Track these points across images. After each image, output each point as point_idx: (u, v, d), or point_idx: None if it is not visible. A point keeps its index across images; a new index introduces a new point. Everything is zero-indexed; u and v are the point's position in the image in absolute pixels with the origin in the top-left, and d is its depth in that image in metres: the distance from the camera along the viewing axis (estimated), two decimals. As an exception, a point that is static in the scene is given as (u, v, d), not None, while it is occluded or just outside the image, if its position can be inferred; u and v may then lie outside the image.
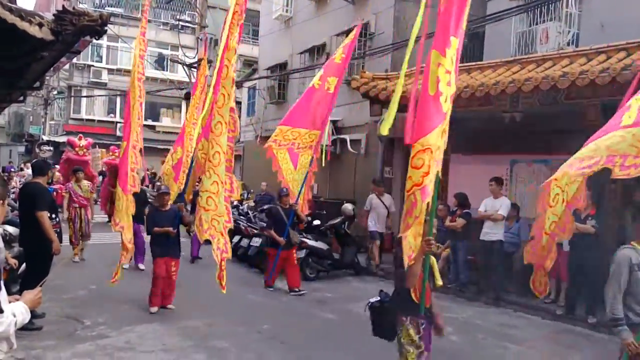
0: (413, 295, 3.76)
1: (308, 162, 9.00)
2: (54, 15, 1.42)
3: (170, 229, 7.15)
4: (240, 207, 13.36)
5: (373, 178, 11.90)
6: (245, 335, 6.36)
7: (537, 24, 10.30)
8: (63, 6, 1.52)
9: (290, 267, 8.79)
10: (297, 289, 8.63)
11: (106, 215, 15.87)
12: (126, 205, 6.50)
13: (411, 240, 3.48)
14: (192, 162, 7.85)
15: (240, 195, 17.81)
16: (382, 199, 10.69)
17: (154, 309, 7.07)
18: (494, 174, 8.94)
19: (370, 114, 12.82)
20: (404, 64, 3.81)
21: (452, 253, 9.36)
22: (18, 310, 2.56)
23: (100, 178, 20.56)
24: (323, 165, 9.28)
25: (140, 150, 6.98)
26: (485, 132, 10.02)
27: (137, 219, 7.98)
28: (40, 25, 1.34)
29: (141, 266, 9.75)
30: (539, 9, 10.10)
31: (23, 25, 1.27)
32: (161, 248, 7.18)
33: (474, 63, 10.44)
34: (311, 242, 9.86)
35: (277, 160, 8.84)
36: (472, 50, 12.57)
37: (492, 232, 8.53)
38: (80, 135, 14.70)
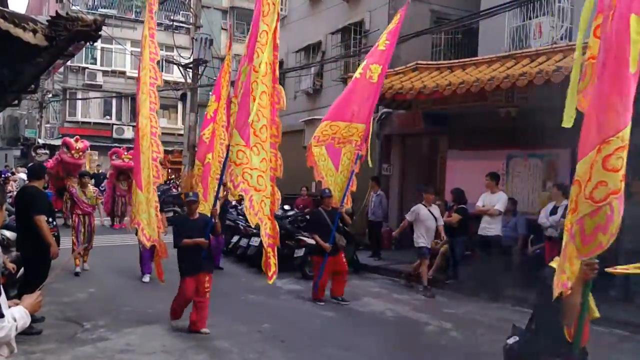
0: (566, 333, 2.95)
1: (351, 161, 8.27)
2: (47, 21, 1.43)
3: (203, 239, 6.15)
4: (239, 207, 13.34)
5: (372, 176, 11.92)
6: (246, 334, 6.38)
7: (530, 18, 10.33)
8: (57, 12, 1.53)
9: (338, 274, 8.10)
10: (340, 298, 8.05)
11: (107, 218, 15.95)
12: (146, 200, 6.13)
13: (567, 266, 2.72)
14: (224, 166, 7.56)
15: (238, 195, 17.86)
16: (431, 210, 8.95)
17: (176, 323, 6.52)
18: (490, 169, 8.97)
19: (367, 111, 12.85)
20: (579, 35, 3.11)
21: (450, 249, 9.39)
22: (18, 315, 2.56)
23: (93, 181, 20.58)
24: (370, 165, 8.58)
25: (161, 162, 6.73)
26: (481, 128, 10.07)
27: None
28: (35, 31, 1.35)
29: (145, 278, 9.01)
30: (532, 4, 10.13)
31: (17, 31, 1.29)
32: (192, 264, 6.16)
33: (468, 59, 10.47)
34: (309, 240, 9.85)
35: (312, 156, 8.11)
36: (467, 45, 12.62)
37: (489, 227, 8.56)
38: (77, 137, 14.28)
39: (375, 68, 8.11)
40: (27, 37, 1.32)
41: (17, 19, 1.24)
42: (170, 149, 27.72)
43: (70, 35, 1.46)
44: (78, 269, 9.22)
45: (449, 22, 12.22)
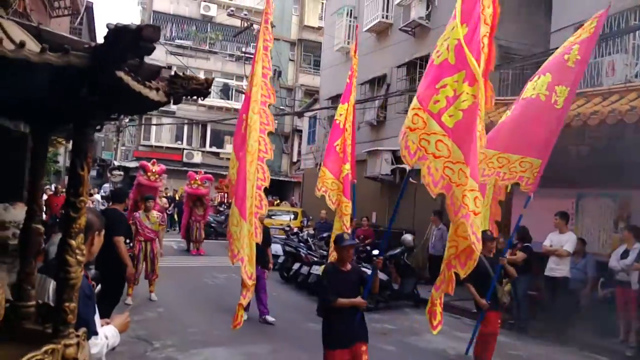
0: None
1: (493, 198, 7.36)
2: (166, 80, 1.68)
3: (361, 300, 4.85)
4: (300, 234, 13.61)
5: (434, 210, 11.89)
6: (308, 363, 6.49)
7: (602, 55, 10.12)
8: (175, 72, 1.78)
9: (491, 339, 6.40)
10: None
11: (183, 240, 16.47)
12: (249, 233, 5.27)
13: None
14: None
15: (301, 222, 18.18)
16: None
17: None
18: (559, 208, 8.76)
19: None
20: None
21: (513, 288, 9.17)
22: (109, 333, 2.76)
23: (171, 205, 21.38)
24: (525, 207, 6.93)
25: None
26: (551, 165, 9.82)
27: (257, 260, 7.44)
28: (157, 89, 1.58)
29: (270, 318, 8.34)
30: (605, 41, 9.94)
31: (146, 91, 1.52)
32: (345, 332, 4.78)
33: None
34: (369, 271, 9.91)
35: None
36: (536, 81, 12.43)
37: (557, 268, 8.33)
38: (154, 160, 14.44)
39: (561, 91, 6.45)
40: (152, 95, 1.56)
41: (141, 79, 1.48)
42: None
43: (186, 92, 1.69)
44: (129, 300, 8.52)
45: (517, 58, 12.13)
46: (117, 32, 1.19)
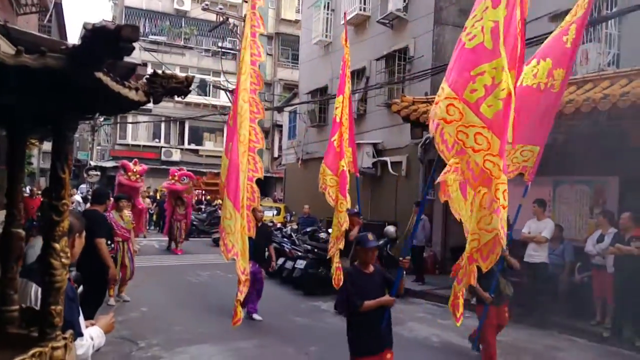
0: None
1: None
2: (146, 79, 1.67)
3: (389, 298, 4.53)
4: (284, 230, 13.61)
5: (415, 200, 11.99)
6: (294, 356, 6.53)
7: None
8: (155, 71, 1.78)
9: (500, 328, 6.55)
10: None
11: (165, 239, 16.33)
12: (241, 227, 5.02)
13: None
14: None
15: (284, 217, 18.19)
16: None
17: None
18: (537, 196, 8.90)
19: (412, 136, 12.98)
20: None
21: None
22: (95, 334, 2.78)
23: (154, 204, 21.13)
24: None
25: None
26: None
27: (256, 257, 7.31)
28: (137, 89, 1.58)
29: (257, 316, 8.25)
30: (578, 30, 10.07)
31: (125, 91, 1.52)
32: (371, 337, 4.50)
33: (514, 85, 10.45)
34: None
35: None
36: (512, 71, 12.57)
37: (536, 254, 8.48)
38: (136, 160, 13.95)
39: (558, 74, 6.08)
40: (131, 95, 1.55)
41: (119, 79, 1.48)
42: (216, 171, 28.48)
43: (166, 91, 1.68)
44: (112, 301, 8.51)
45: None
46: (95, 33, 1.18)
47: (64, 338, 1.53)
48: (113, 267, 6.65)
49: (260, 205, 20.73)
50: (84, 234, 3.01)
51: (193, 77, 1.80)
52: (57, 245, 1.48)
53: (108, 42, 1.22)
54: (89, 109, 1.70)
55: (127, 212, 9.10)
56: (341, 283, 7.39)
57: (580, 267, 8.69)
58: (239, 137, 5.04)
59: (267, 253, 8.96)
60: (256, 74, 5.40)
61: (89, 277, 6.78)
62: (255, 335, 7.19)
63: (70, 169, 1.52)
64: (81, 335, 2.65)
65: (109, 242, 7.02)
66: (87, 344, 2.66)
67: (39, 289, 2.58)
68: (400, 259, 4.64)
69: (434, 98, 11.81)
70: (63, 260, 1.49)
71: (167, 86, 1.70)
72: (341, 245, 7.48)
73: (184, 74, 1.77)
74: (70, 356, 1.55)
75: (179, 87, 1.71)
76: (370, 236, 4.59)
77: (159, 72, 1.71)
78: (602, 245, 7.91)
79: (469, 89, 4.13)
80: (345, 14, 10.55)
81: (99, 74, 1.41)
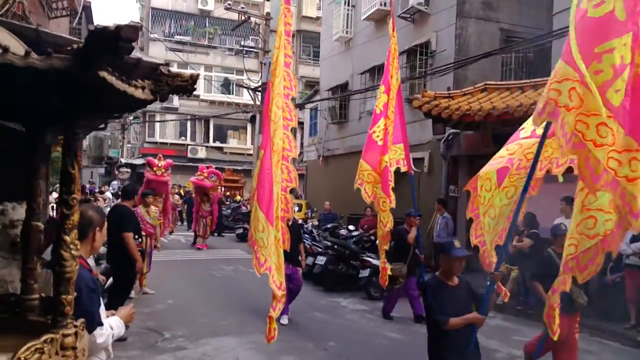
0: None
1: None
2: (152, 78, 1.73)
3: (477, 315, 3.93)
4: (305, 226, 13.69)
5: (438, 198, 11.93)
6: (313, 352, 6.58)
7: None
8: (160, 69, 1.84)
9: (566, 350, 5.60)
10: None
11: (192, 234, 16.43)
12: (275, 240, 4.72)
13: None
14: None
15: (305, 214, 18.25)
16: None
17: None
18: (565, 193, 8.74)
19: (433, 132, 12.88)
20: None
21: (521, 274, 9.19)
22: (115, 324, 2.89)
23: (182, 202, 21.42)
24: None
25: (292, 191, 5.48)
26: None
27: (289, 259, 6.75)
28: (143, 88, 1.64)
29: (284, 320, 7.79)
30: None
31: (131, 90, 1.58)
32: (461, 356, 3.96)
33: (540, 79, 10.30)
34: (375, 261, 9.98)
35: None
36: (539, 65, 12.38)
37: (563, 253, 8.33)
38: (160, 155, 14.17)
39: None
40: (137, 93, 1.61)
41: (126, 78, 1.54)
42: (238, 168, 28.74)
43: (171, 89, 1.74)
44: (133, 293, 8.36)
45: (519, 41, 12.04)
46: (96, 34, 1.25)
47: (75, 326, 1.60)
48: (140, 261, 6.82)
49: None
50: (105, 227, 3.09)
51: (198, 75, 1.85)
52: (67, 238, 1.56)
53: (109, 42, 1.28)
54: (98, 108, 1.77)
55: (154, 208, 9.24)
56: (387, 283, 7.43)
57: (612, 267, 8.48)
58: (272, 146, 4.70)
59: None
60: (289, 77, 5.06)
61: (118, 270, 6.99)
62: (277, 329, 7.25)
63: (79, 165, 1.59)
64: (101, 324, 2.75)
65: (136, 237, 7.19)
66: (107, 333, 2.75)
67: None
68: (493, 272, 4.10)
69: (456, 93, 11.68)
70: (73, 252, 1.56)
71: (172, 84, 1.75)
72: (386, 246, 7.21)
73: (189, 72, 1.83)
74: (82, 343, 1.63)
75: (184, 85, 1.76)
76: (457, 243, 3.98)
77: (165, 71, 1.77)
78: (637, 244, 7.70)
79: (593, 70, 3.30)
80: (390, 2, 9.86)
81: (104, 74, 1.47)
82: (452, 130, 12.54)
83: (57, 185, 13.78)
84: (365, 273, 9.80)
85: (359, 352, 6.73)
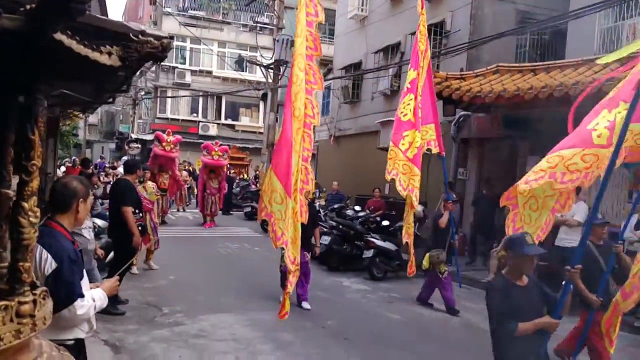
0: None
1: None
2: (121, 44, 1.67)
3: (548, 318, 3.50)
4: (312, 205, 13.67)
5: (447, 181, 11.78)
6: (311, 329, 6.59)
7: (623, 19, 9.76)
8: (130, 35, 1.77)
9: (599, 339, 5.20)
10: None
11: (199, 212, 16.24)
12: (293, 212, 4.49)
13: None
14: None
15: (313, 194, 18.23)
16: None
17: None
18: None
19: (444, 114, 12.68)
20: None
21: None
22: (97, 296, 2.88)
23: (190, 177, 21.24)
24: None
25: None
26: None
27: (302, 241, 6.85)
28: (110, 53, 1.58)
29: (306, 305, 7.60)
30: (625, 4, 9.57)
31: (95, 55, 1.52)
32: None
33: (553, 62, 10.09)
34: (379, 242, 9.95)
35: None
36: (554, 47, 12.12)
37: (568, 238, 8.22)
38: (169, 130, 14.04)
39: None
40: (104, 59, 1.55)
41: (94, 45, 1.48)
42: (251, 146, 28.72)
43: (140, 56, 1.68)
44: (135, 270, 8.62)
45: (534, 22, 11.77)
46: (47, -7, 1.19)
47: (34, 294, 1.57)
48: (137, 235, 6.82)
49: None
50: (89, 199, 3.07)
51: (169, 42, 1.78)
52: (25, 205, 1.51)
53: (60, 3, 1.22)
54: (64, 74, 1.71)
55: (150, 184, 9.19)
56: (414, 271, 7.46)
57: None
58: (293, 111, 4.44)
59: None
60: (313, 36, 4.73)
61: (118, 244, 7.03)
62: (275, 307, 7.18)
63: (40, 131, 1.54)
64: (82, 296, 2.75)
65: (137, 211, 7.20)
66: (88, 304, 2.77)
67: (44, 250, 2.69)
68: (568, 268, 3.64)
69: (469, 74, 11.45)
70: (31, 219, 1.52)
71: (142, 51, 1.68)
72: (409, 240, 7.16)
73: (159, 40, 1.76)
74: (43, 312, 1.60)
75: (153, 52, 1.69)
76: (528, 238, 3.53)
77: (134, 37, 1.70)
78: (642, 230, 7.60)
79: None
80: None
81: (62, 36, 1.41)
82: (462, 112, 12.37)
83: (66, 159, 13.97)
84: (369, 254, 9.78)
85: (357, 330, 6.73)
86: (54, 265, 2.65)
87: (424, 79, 7.24)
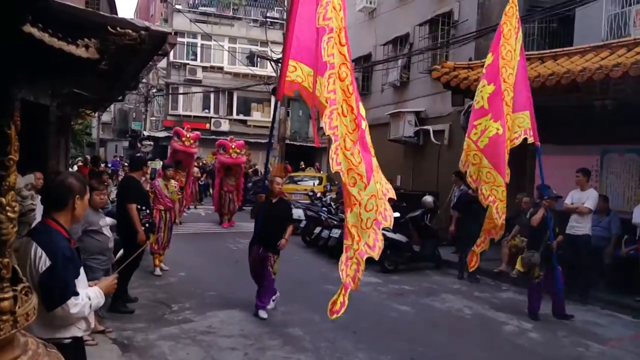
0: None
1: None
2: (99, 37, 1.65)
3: None
4: (324, 199, 13.64)
5: (455, 170, 11.68)
6: (320, 323, 6.56)
7: (630, 4, 9.58)
8: (108, 28, 1.75)
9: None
10: None
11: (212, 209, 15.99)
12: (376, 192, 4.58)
13: None
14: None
15: (324, 187, 18.21)
16: None
17: None
18: (583, 165, 8.48)
19: (453, 104, 12.60)
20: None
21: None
22: (93, 294, 2.81)
23: (203, 175, 20.97)
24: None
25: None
26: (574, 122, 9.52)
27: (266, 243, 6.64)
28: (87, 46, 1.57)
29: (262, 313, 6.84)
30: (633, -11, 9.40)
31: (70, 48, 1.51)
32: None
33: (560, 49, 9.93)
34: (390, 234, 9.88)
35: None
36: (562, 34, 11.94)
37: (578, 226, 8.11)
38: (188, 126, 13.74)
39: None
40: (80, 52, 1.54)
41: (70, 39, 1.47)
42: (263, 141, 28.70)
43: (119, 48, 1.67)
44: (158, 271, 8.65)
45: (542, 10, 11.59)
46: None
47: (14, 290, 1.56)
48: (141, 232, 6.76)
49: (303, 174, 20.82)
50: (86, 196, 3.03)
51: (147, 34, 1.76)
52: (2, 200, 1.51)
53: (22, -7, 1.21)
54: (44, 68, 1.70)
55: (173, 182, 8.96)
56: (476, 265, 7.07)
57: (628, 240, 8.28)
58: (353, 92, 4.70)
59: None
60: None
61: (126, 242, 7.04)
62: (284, 303, 7.26)
63: (16, 126, 1.53)
64: (76, 294, 2.69)
65: (143, 208, 7.16)
66: (83, 303, 2.71)
67: (39, 248, 2.68)
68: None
69: (476, 63, 11.36)
70: (9, 214, 1.52)
71: (120, 43, 1.67)
72: (497, 236, 6.85)
73: (136, 33, 1.74)
74: (25, 308, 1.59)
75: (131, 44, 1.68)
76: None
77: (112, 29, 1.68)
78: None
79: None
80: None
81: (32, 29, 1.39)
82: (471, 102, 12.21)
83: (79, 158, 14.04)
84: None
85: (367, 324, 6.70)
86: (48, 263, 2.62)
87: (517, 62, 6.72)
